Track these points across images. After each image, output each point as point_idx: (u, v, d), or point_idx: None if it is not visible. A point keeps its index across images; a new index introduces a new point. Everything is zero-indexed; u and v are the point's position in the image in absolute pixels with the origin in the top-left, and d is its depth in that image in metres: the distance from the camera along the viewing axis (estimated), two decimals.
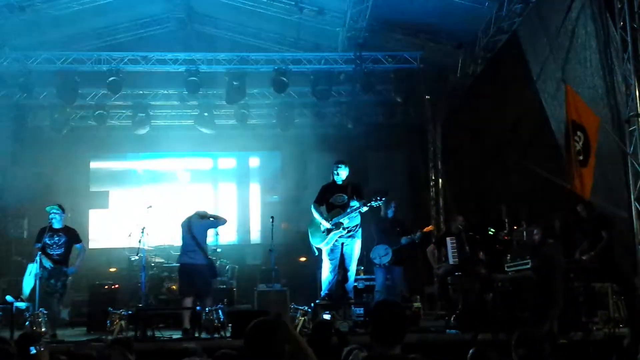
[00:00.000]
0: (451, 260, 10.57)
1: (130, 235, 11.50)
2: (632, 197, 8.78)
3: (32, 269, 9.67)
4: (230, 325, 9.27)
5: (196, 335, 9.18)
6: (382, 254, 10.22)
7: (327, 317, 9.18)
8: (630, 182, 8.82)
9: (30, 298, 9.62)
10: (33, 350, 4.40)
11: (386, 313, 3.93)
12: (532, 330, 4.78)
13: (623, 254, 9.24)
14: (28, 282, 9.73)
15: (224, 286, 12.64)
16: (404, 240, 10.40)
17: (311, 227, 9.91)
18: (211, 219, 10.62)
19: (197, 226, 10.30)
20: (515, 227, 11.08)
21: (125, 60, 13.98)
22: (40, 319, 9.25)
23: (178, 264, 10.73)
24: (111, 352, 4.14)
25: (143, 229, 10.38)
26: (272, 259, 10.76)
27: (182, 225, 10.46)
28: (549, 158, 10.36)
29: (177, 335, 9.55)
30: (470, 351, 4.71)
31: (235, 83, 14.17)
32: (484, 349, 4.71)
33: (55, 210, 10.05)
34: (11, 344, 5.04)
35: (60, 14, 13.39)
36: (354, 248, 9.73)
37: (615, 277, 8.98)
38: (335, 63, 14.49)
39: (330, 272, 9.72)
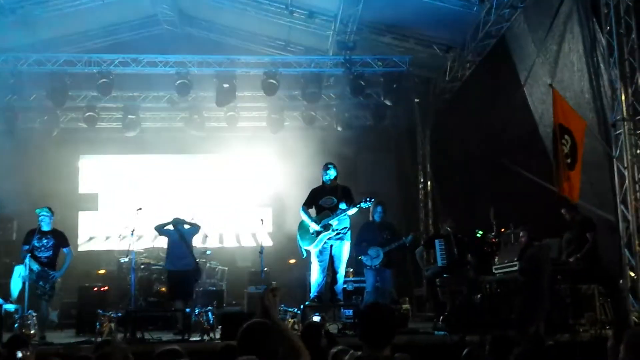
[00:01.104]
0: (440, 262, 10.63)
1: (119, 238, 11.51)
2: (617, 200, 8.89)
3: (20, 271, 9.66)
4: (220, 327, 9.29)
5: (186, 337, 9.18)
6: (373, 256, 10.24)
7: (316, 319, 9.21)
8: (616, 185, 8.93)
9: (19, 300, 9.61)
10: (19, 355, 4.42)
11: (375, 315, 3.98)
12: (505, 333, 4.84)
13: (609, 256, 9.34)
14: (16, 284, 9.70)
15: (214, 288, 12.66)
16: (395, 247, 10.41)
17: (300, 229, 9.94)
18: (186, 226, 11.01)
19: (187, 233, 10.84)
20: (503, 230, 11.16)
21: (116, 62, 13.98)
22: (29, 321, 9.22)
23: (170, 269, 10.81)
24: (114, 351, 4.16)
25: (132, 231, 10.40)
26: (261, 261, 10.79)
27: (170, 233, 10.81)
28: (537, 161, 10.45)
29: (167, 337, 9.55)
30: (465, 351, 4.78)
31: (225, 85, 14.19)
32: (477, 349, 4.77)
33: (45, 213, 10.02)
34: None
35: (50, 16, 13.39)
36: (343, 250, 9.77)
37: (602, 279, 9.06)
38: (325, 66, 14.57)
39: (320, 274, 9.75)
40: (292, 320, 9.26)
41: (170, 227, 10.89)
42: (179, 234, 10.80)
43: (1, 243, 14.72)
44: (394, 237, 10.47)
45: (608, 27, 9.02)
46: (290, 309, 9.49)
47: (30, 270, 9.61)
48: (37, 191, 13.67)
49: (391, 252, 10.41)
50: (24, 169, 13.96)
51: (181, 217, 10.99)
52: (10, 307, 9.53)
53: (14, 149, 14.03)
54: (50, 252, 10.01)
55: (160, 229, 11.01)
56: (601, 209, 9.59)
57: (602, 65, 9.31)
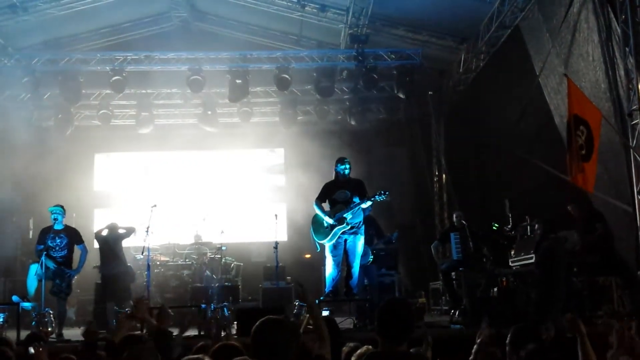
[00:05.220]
0: (455, 256, 10.57)
1: (135, 234, 11.54)
2: (634, 190, 8.79)
3: (36, 269, 9.71)
4: (235, 322, 9.30)
5: (201, 333, 9.19)
6: (362, 255, 10.10)
7: (325, 313, 9.17)
8: (633, 175, 8.83)
9: (36, 298, 9.67)
10: (31, 350, 4.46)
11: (393, 310, 3.95)
12: (529, 325, 4.79)
13: (626, 247, 9.25)
14: (32, 282, 9.76)
15: (229, 284, 12.69)
16: (380, 243, 10.32)
17: (314, 224, 9.88)
18: (121, 230, 10.99)
19: (113, 239, 10.87)
20: (518, 222, 11.07)
21: (129, 59, 14.06)
22: (46, 319, 9.29)
23: (101, 273, 10.97)
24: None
25: (148, 228, 10.42)
26: (276, 256, 10.78)
27: (100, 240, 10.92)
28: (553, 152, 10.36)
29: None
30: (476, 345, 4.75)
31: (238, 81, 14.20)
32: (489, 342, 4.74)
33: (57, 211, 10.06)
34: (11, 345, 5.08)
35: (63, 15, 13.44)
36: (357, 244, 9.69)
37: (619, 270, 8.98)
38: (337, 60, 14.55)
39: (334, 268, 9.70)
40: (307, 315, 9.22)
41: (105, 231, 10.92)
42: (105, 241, 10.86)
43: (18, 241, 14.84)
44: (378, 234, 10.38)
45: (623, 16, 8.90)
46: (305, 304, 9.45)
47: (47, 268, 9.65)
48: (52, 189, 13.75)
49: (376, 248, 10.32)
50: (39, 167, 14.04)
51: (114, 223, 11.05)
52: (27, 305, 9.59)
53: (29, 147, 14.11)
54: (65, 252, 10.05)
55: (97, 235, 11.09)
56: (618, 200, 9.49)
57: (617, 54, 9.19)
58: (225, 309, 9.63)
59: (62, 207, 10.18)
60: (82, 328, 11.03)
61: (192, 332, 9.53)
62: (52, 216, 10.01)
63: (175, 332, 5.60)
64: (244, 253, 14.96)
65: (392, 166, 16.45)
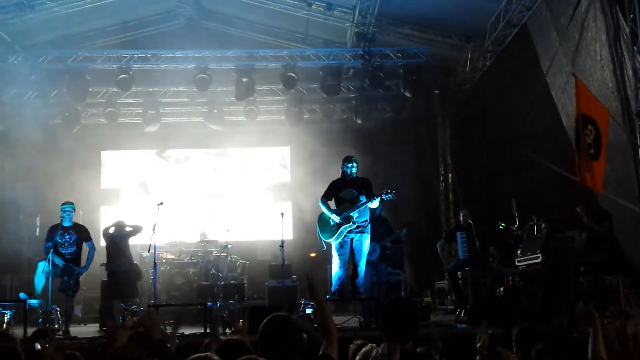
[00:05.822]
0: (461, 255, 10.55)
1: (141, 233, 11.57)
2: None
3: (43, 267, 9.73)
4: (240, 320, 9.29)
5: (207, 331, 9.21)
6: (369, 251, 10.12)
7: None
8: None
9: (43, 295, 9.70)
10: (37, 346, 4.47)
11: (398, 309, 3.95)
12: (533, 325, 4.78)
13: (633, 247, 9.23)
14: (39, 280, 9.78)
15: (235, 282, 12.70)
16: (389, 241, 10.32)
17: (319, 222, 9.86)
18: (127, 228, 10.94)
19: (119, 237, 10.83)
20: (525, 222, 11.05)
21: (135, 57, 14.07)
22: (53, 316, 9.32)
23: (107, 271, 10.90)
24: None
25: (154, 226, 10.43)
26: (282, 255, 10.77)
27: (107, 237, 10.90)
28: (560, 151, 10.33)
29: (188, 331, 9.59)
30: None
31: (244, 79, 14.22)
32: (494, 341, 4.73)
33: (69, 208, 10.09)
34: (17, 342, 5.10)
35: (70, 13, 13.47)
36: (364, 243, 9.67)
37: (626, 270, 8.95)
38: (343, 58, 14.54)
39: (340, 267, 9.67)
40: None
41: (112, 229, 10.89)
42: (112, 238, 10.83)
43: (25, 238, 14.88)
44: (389, 232, 10.38)
45: (632, 15, 8.87)
46: (311, 302, 9.46)
47: (55, 265, 9.67)
48: (59, 187, 13.77)
49: (385, 246, 10.33)
50: (46, 165, 14.07)
51: (121, 220, 11.03)
52: (34, 302, 9.62)
53: (36, 145, 14.15)
54: (74, 248, 10.08)
55: (104, 233, 11.06)
56: (625, 199, 9.45)
57: (625, 54, 9.15)
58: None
59: (72, 204, 10.22)
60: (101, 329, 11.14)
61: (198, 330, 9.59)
62: (63, 213, 10.02)
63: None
64: (250, 251, 14.96)
65: (398, 165, 16.42)
